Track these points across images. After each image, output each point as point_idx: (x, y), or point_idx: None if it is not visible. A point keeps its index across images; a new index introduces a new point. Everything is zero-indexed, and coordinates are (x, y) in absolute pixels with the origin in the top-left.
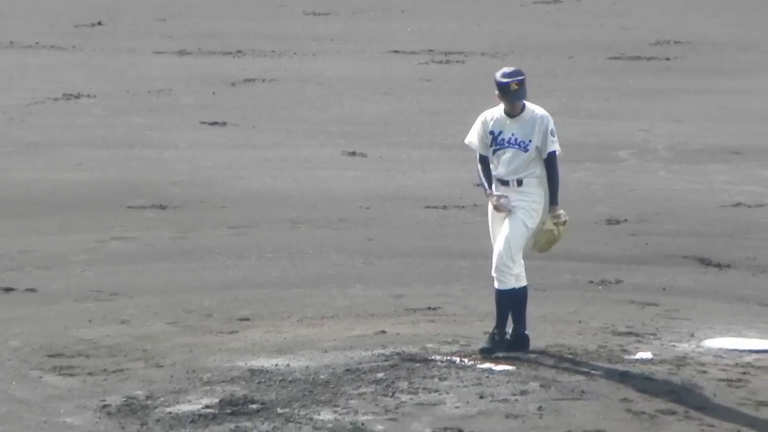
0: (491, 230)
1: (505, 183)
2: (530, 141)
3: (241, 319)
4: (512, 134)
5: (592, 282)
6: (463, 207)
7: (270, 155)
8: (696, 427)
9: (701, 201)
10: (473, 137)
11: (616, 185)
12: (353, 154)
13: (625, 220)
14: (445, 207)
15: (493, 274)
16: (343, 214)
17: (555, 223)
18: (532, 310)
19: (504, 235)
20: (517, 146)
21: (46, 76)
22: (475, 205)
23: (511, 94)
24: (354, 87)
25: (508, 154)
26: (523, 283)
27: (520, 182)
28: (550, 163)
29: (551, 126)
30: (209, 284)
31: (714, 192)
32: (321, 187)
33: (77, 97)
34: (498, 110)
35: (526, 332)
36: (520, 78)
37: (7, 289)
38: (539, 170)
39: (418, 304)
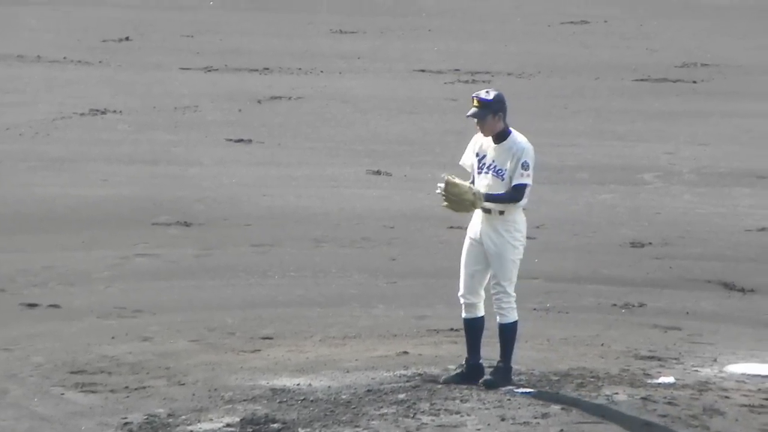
0: (464, 258)
1: (486, 211)
2: (505, 169)
3: (264, 338)
4: (493, 160)
5: (615, 305)
6: None
7: (295, 173)
8: None
9: (726, 225)
10: (465, 158)
11: (640, 208)
12: (378, 173)
13: (650, 243)
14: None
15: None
16: (366, 233)
17: (444, 190)
18: (555, 333)
19: (495, 272)
20: (495, 173)
21: (72, 91)
22: None
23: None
24: (380, 106)
25: (487, 180)
26: (481, 313)
27: (501, 212)
28: (515, 189)
29: (525, 159)
30: (232, 302)
31: (739, 216)
32: (345, 205)
33: (103, 112)
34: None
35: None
36: (482, 98)
37: (31, 305)
38: (524, 200)
39: (440, 325)
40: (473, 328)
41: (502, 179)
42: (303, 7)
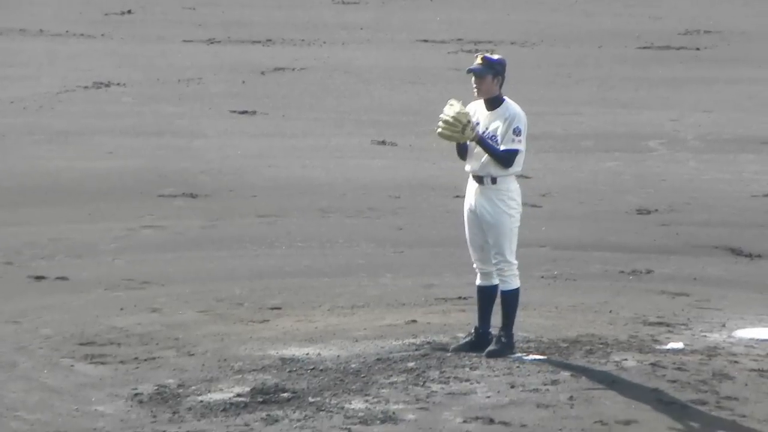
0: (468, 232)
1: (479, 180)
2: (498, 136)
3: (272, 308)
4: (486, 127)
5: (622, 272)
6: None
7: (299, 144)
8: (727, 418)
9: (731, 191)
10: None
11: (646, 175)
12: (383, 143)
13: (656, 210)
14: None
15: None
16: (372, 203)
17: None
18: (563, 300)
19: (494, 242)
20: (489, 139)
21: (75, 65)
22: None
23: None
24: (383, 76)
25: (479, 147)
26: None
27: (494, 180)
28: (507, 153)
29: (516, 124)
30: (240, 273)
31: (744, 182)
32: (350, 176)
33: (107, 85)
34: (482, 102)
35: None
36: (487, 56)
37: (39, 278)
38: (516, 167)
39: (448, 293)
40: (487, 295)
41: (497, 145)
42: None
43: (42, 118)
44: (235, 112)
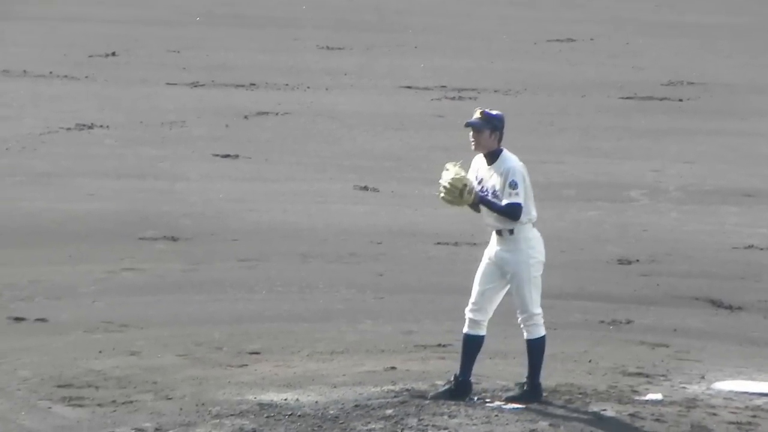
0: (478, 277)
1: (498, 233)
2: (499, 191)
3: (251, 353)
4: (488, 182)
5: (602, 322)
6: (475, 244)
7: (281, 189)
8: None
9: (713, 242)
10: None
11: (627, 225)
12: (365, 188)
13: (637, 260)
14: (456, 243)
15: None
16: (353, 249)
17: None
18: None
19: (516, 292)
20: (492, 195)
21: (59, 106)
22: (487, 242)
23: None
24: (366, 122)
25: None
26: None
27: (511, 231)
28: (509, 207)
29: (512, 178)
30: (219, 317)
31: (726, 234)
32: (332, 221)
33: (90, 127)
34: (482, 156)
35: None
36: (487, 111)
37: (18, 319)
38: (526, 217)
39: (428, 340)
40: (472, 345)
41: (498, 200)
42: (289, 22)
43: (24, 160)
44: (217, 155)
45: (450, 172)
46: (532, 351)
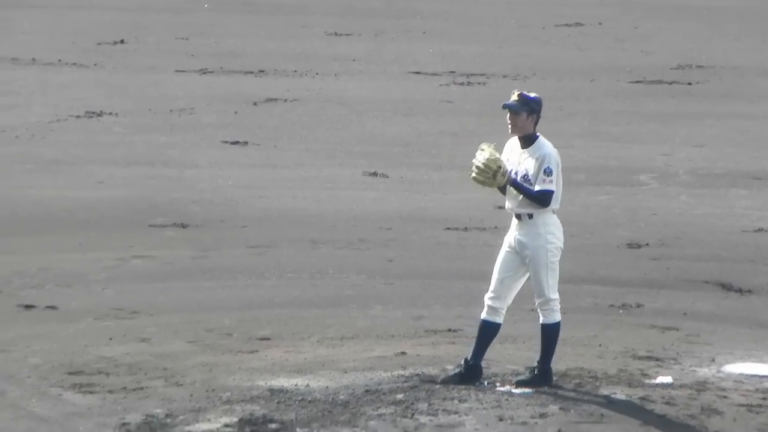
0: (498, 264)
1: (518, 217)
2: (531, 175)
3: (261, 339)
4: (520, 165)
5: (612, 306)
6: (484, 229)
7: (291, 175)
8: None
9: (722, 226)
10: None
11: (637, 209)
12: (374, 174)
13: (647, 244)
14: (465, 229)
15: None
16: (363, 235)
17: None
18: None
19: (534, 277)
20: (522, 179)
21: (68, 94)
22: (496, 227)
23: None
24: (375, 108)
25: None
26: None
27: (530, 215)
28: (541, 194)
29: (547, 165)
30: (229, 303)
31: (735, 217)
32: (341, 207)
33: (99, 114)
34: (517, 139)
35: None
36: (524, 93)
37: (28, 306)
38: (552, 205)
39: (438, 325)
40: (488, 331)
41: (530, 185)
42: (297, 9)
43: (33, 147)
44: (226, 142)
45: (485, 153)
46: (546, 336)
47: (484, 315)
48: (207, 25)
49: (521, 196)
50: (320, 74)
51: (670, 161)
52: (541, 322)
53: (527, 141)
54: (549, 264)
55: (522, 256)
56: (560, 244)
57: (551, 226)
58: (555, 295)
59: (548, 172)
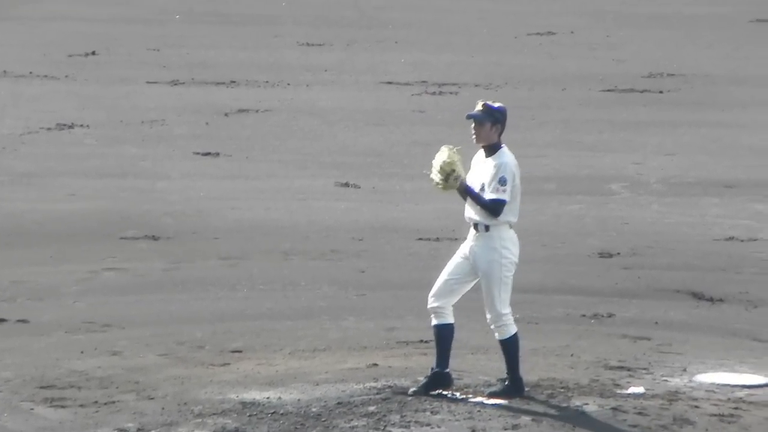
0: (446, 268)
1: (475, 227)
2: (486, 183)
3: (233, 351)
4: (481, 175)
5: (584, 315)
6: (456, 239)
7: (263, 186)
8: None
9: (694, 235)
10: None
11: (608, 218)
12: (346, 185)
13: (618, 253)
14: (437, 239)
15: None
16: (335, 246)
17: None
18: (524, 344)
19: (486, 291)
20: (481, 189)
21: (39, 106)
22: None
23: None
24: (347, 118)
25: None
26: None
27: (487, 228)
28: (492, 203)
29: (501, 174)
30: (201, 316)
31: (707, 226)
32: (314, 218)
33: (70, 126)
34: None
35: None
36: (489, 104)
37: None
38: (506, 217)
39: (410, 336)
40: (443, 334)
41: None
42: (269, 19)
43: (4, 160)
44: (198, 153)
45: (443, 154)
46: (507, 350)
47: (433, 321)
48: (178, 36)
49: (475, 206)
50: (292, 85)
51: (642, 170)
52: (498, 338)
53: (491, 150)
54: (502, 278)
55: (475, 267)
56: (515, 259)
57: (506, 240)
58: (506, 310)
59: (503, 182)
